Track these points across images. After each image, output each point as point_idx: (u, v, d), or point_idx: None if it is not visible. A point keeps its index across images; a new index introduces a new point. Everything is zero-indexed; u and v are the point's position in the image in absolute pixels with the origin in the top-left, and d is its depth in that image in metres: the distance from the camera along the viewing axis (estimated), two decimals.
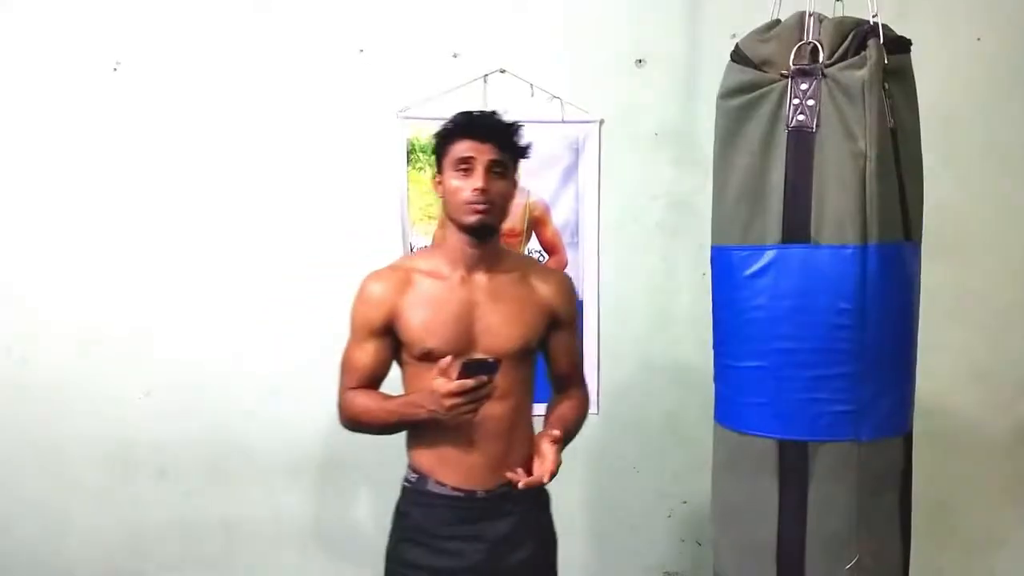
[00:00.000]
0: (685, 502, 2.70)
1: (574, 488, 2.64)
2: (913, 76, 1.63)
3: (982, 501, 2.69)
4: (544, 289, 1.76)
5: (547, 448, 1.64)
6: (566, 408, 1.81)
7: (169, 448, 2.59)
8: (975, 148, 2.57)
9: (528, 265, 1.83)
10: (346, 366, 1.73)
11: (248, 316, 2.57)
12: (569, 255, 2.49)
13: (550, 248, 2.51)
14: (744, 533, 1.65)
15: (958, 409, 2.65)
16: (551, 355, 1.82)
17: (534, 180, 2.44)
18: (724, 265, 1.65)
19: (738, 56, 1.63)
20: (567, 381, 1.85)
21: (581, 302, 2.47)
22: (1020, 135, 2.59)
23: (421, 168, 2.41)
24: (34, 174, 2.52)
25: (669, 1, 2.54)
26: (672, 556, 2.72)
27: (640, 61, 2.56)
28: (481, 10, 2.53)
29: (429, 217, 2.46)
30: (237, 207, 2.55)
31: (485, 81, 2.29)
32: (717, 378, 1.73)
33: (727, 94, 1.62)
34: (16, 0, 2.46)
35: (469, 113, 1.68)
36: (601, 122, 2.42)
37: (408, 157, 2.42)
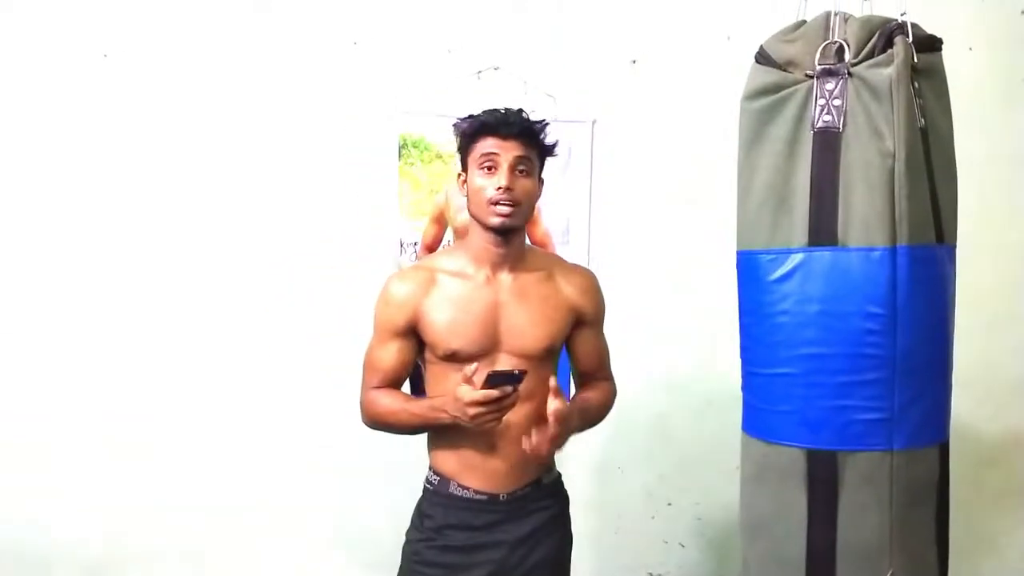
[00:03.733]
0: (670, 504, 2.68)
1: None
2: (945, 76, 1.60)
3: (972, 507, 2.59)
4: (569, 287, 1.74)
5: (551, 420, 1.58)
6: (590, 391, 1.79)
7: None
8: (965, 155, 2.52)
9: (554, 263, 1.80)
10: (369, 366, 1.72)
11: (236, 308, 2.49)
12: (559, 255, 2.48)
13: (539, 247, 2.49)
14: (773, 546, 1.61)
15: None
16: (576, 353, 1.79)
17: None
18: (749, 269, 1.62)
19: (762, 57, 1.61)
20: (592, 377, 1.82)
21: None
22: (1012, 143, 2.57)
23: (412, 163, 2.42)
24: (20, 164, 2.44)
25: (664, 1, 2.53)
26: (656, 558, 2.70)
27: (634, 61, 2.54)
28: (476, 6, 2.51)
29: (421, 213, 2.46)
30: (226, 199, 2.50)
31: (479, 77, 2.27)
32: (744, 386, 1.69)
33: (751, 96, 1.60)
34: None
35: (495, 110, 1.66)
36: (594, 122, 2.40)
37: (400, 152, 2.42)
